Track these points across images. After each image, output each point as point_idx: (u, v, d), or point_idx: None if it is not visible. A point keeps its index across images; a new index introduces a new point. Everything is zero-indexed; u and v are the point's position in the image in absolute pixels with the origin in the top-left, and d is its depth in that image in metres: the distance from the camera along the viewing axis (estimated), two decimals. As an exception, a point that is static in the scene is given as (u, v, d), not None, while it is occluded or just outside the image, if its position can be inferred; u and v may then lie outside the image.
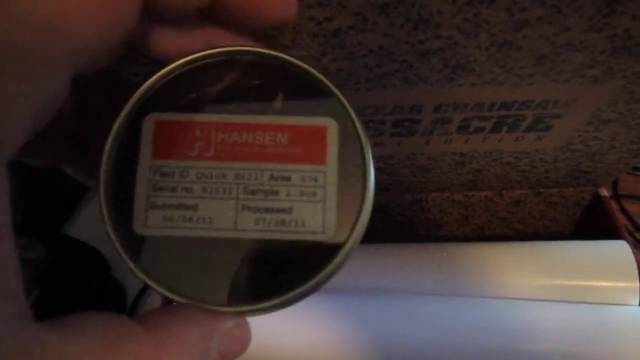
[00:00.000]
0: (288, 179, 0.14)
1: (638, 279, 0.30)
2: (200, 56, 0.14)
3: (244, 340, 0.14)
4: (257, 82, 0.14)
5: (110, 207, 0.13)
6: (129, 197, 0.14)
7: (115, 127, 0.14)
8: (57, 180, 0.43)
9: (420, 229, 0.38)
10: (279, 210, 0.14)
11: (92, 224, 0.43)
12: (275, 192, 0.14)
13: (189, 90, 0.14)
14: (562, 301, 0.30)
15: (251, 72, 0.14)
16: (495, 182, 0.34)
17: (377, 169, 0.14)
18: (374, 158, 0.14)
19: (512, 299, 0.30)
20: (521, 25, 0.19)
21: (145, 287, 0.38)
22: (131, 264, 0.13)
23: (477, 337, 0.28)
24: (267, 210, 0.14)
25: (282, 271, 0.14)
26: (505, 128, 0.27)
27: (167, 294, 0.13)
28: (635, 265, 0.30)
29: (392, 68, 0.21)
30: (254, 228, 0.14)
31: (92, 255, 0.38)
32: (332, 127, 0.14)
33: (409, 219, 0.37)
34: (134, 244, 0.14)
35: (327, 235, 0.14)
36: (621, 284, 0.30)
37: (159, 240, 0.14)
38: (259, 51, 0.14)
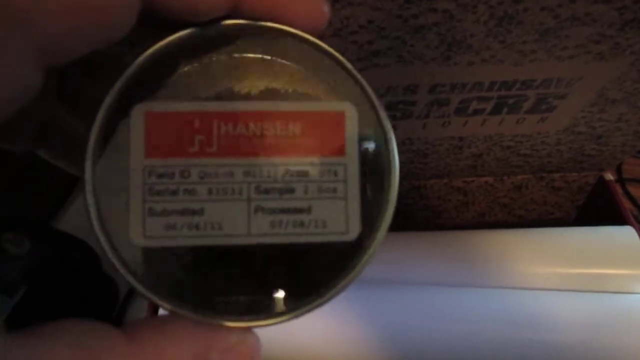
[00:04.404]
0: (305, 174, 0.12)
1: (645, 265, 0.29)
2: (196, 31, 0.12)
3: (252, 357, 0.12)
4: (262, 62, 0.12)
5: (101, 218, 0.12)
6: (122, 204, 0.12)
7: (97, 122, 0.12)
8: (46, 172, 0.42)
9: (419, 217, 0.37)
10: (296, 211, 0.12)
11: (81, 217, 0.42)
12: (292, 190, 0.12)
13: (183, 74, 0.12)
14: (567, 290, 0.29)
15: (255, 51, 0.12)
16: (495, 167, 0.33)
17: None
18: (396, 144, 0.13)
19: (516, 288, 0.30)
20: (522, -4, 0.18)
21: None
22: (131, 279, 0.12)
23: (484, 327, 0.27)
24: (284, 211, 0.12)
25: (301, 279, 0.12)
26: (505, 109, 0.25)
27: (175, 310, 0.12)
28: (642, 252, 0.29)
29: (384, 45, 0.20)
30: (270, 232, 0.12)
31: (82, 250, 0.38)
32: (350, 113, 0.12)
33: (407, 206, 0.36)
34: (132, 256, 0.12)
35: (351, 235, 0.12)
36: (628, 271, 0.30)
37: (161, 252, 0.12)
38: (264, 26, 0.12)
